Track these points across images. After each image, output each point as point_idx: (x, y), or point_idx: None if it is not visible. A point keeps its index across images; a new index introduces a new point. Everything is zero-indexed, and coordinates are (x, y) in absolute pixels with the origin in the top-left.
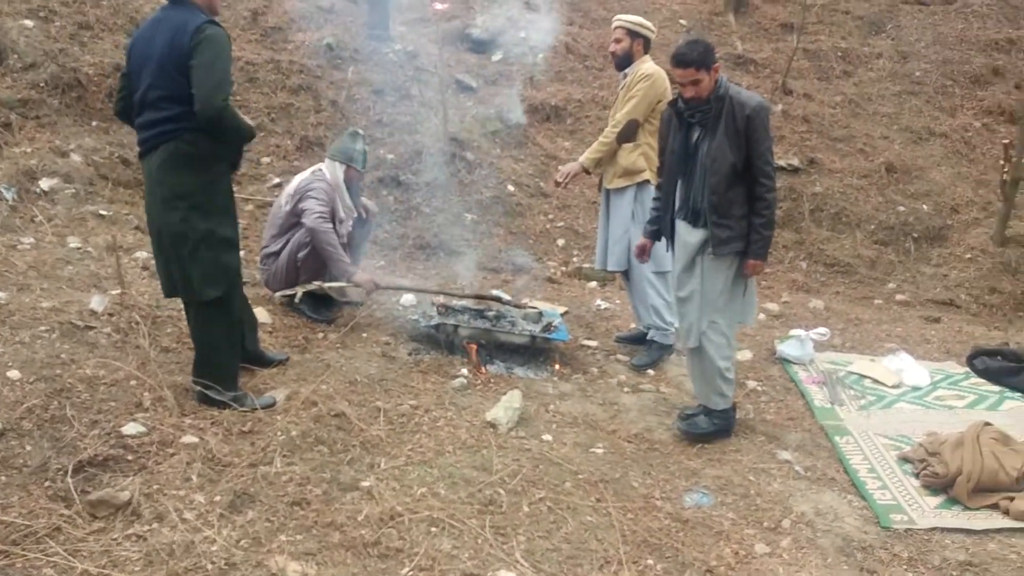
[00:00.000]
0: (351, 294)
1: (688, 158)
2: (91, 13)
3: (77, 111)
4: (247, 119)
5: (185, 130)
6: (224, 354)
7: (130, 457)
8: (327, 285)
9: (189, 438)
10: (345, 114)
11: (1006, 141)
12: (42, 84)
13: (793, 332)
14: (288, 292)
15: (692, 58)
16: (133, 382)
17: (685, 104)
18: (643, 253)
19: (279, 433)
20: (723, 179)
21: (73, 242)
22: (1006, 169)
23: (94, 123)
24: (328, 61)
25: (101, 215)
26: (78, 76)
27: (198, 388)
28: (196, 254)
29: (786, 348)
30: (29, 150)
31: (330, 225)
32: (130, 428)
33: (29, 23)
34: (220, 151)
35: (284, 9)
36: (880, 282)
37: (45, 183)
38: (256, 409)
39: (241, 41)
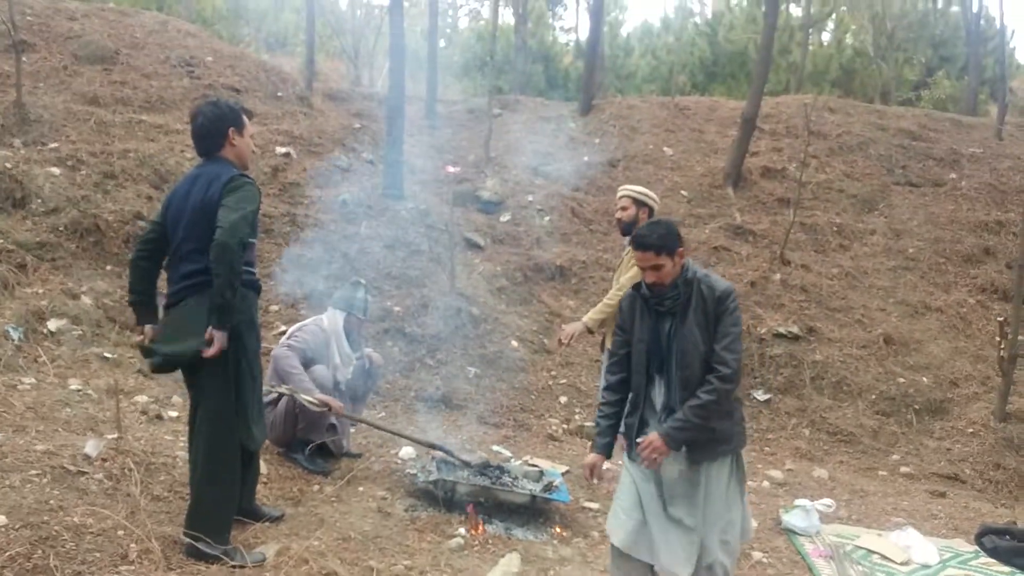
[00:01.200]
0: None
1: (663, 352)
2: (117, 164)
3: (93, 255)
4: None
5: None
6: (221, 506)
7: None
8: (299, 395)
9: None
10: (355, 266)
11: (1001, 318)
12: (61, 228)
13: (798, 502)
14: (275, 390)
15: (651, 241)
16: (121, 532)
17: (649, 291)
18: (593, 474)
19: None
20: (695, 373)
21: (74, 384)
22: (1003, 346)
23: (108, 267)
24: (342, 216)
25: (105, 357)
26: (98, 222)
27: (188, 540)
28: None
29: (792, 519)
30: (41, 291)
31: (293, 354)
32: None
33: (56, 171)
34: (246, 305)
35: (303, 167)
36: (884, 453)
37: (53, 324)
38: (245, 566)
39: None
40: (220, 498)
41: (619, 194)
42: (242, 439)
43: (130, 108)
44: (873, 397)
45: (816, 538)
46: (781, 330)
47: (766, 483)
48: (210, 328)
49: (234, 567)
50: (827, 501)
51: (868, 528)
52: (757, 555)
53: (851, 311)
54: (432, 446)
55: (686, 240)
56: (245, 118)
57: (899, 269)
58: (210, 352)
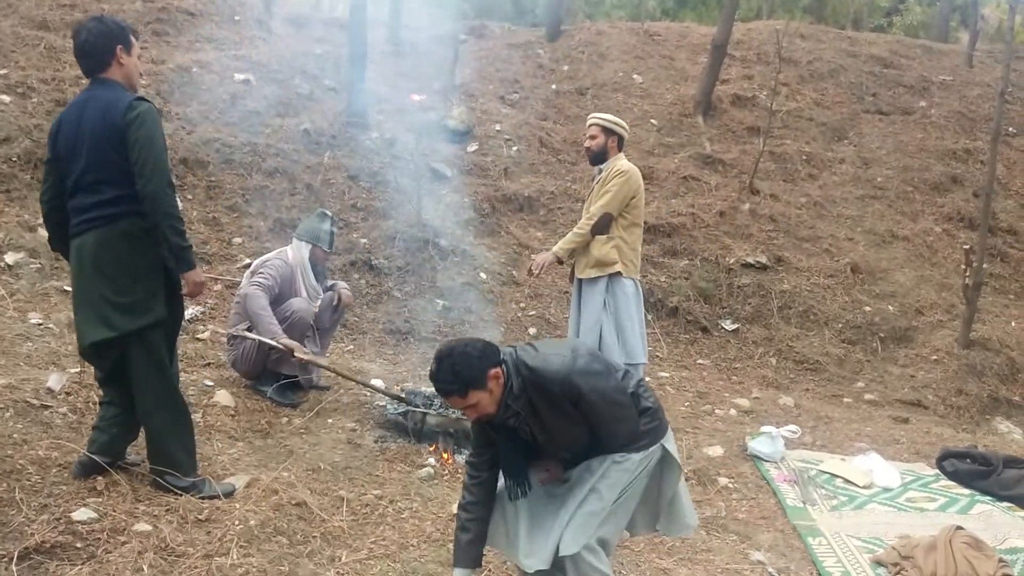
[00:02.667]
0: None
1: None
2: (69, 91)
3: None
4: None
5: (126, 214)
6: (180, 437)
7: (79, 544)
8: (257, 337)
9: (142, 526)
10: (320, 198)
11: (967, 247)
12: (15, 159)
13: (764, 429)
14: (222, 331)
15: (448, 386)
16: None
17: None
18: None
19: (236, 522)
20: (584, 446)
21: (34, 318)
22: (968, 274)
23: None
24: (305, 146)
25: (65, 291)
26: None
27: (153, 476)
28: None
29: (757, 445)
30: None
31: (262, 292)
32: (81, 514)
33: (6, 98)
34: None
35: (263, 94)
36: (849, 380)
37: (10, 257)
38: (216, 496)
39: (219, 123)
40: (177, 428)
41: (588, 122)
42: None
43: None
44: (839, 326)
45: (781, 463)
46: (749, 260)
47: (733, 411)
48: (183, 276)
49: (203, 498)
50: (792, 427)
51: (832, 453)
52: (723, 480)
53: (819, 240)
54: (398, 398)
55: (656, 169)
56: (133, 37)
57: (867, 198)
58: (192, 293)
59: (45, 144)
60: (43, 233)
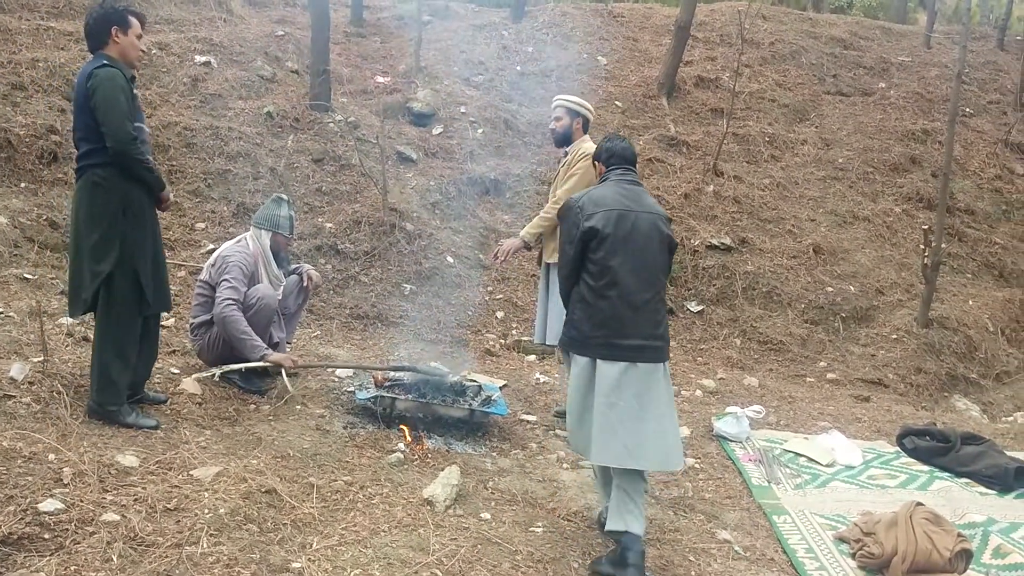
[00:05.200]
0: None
1: None
2: (26, 74)
3: (5, 172)
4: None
5: (96, 165)
6: (115, 369)
7: (47, 536)
8: (243, 366)
9: (110, 516)
10: (284, 181)
11: (925, 227)
12: None
13: (729, 409)
14: (204, 375)
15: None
16: (52, 455)
17: None
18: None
19: (206, 511)
20: None
21: None
22: (927, 254)
23: (23, 184)
24: (268, 129)
25: (25, 279)
26: (8, 137)
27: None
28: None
29: (723, 425)
30: None
31: (239, 312)
32: (48, 505)
33: None
34: (121, 185)
35: (225, 77)
36: (811, 360)
37: None
38: (140, 427)
39: (180, 107)
40: (116, 362)
41: (553, 104)
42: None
43: (36, 14)
44: (802, 306)
45: (746, 443)
46: (714, 241)
47: (698, 392)
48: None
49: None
50: (757, 408)
51: (796, 432)
52: (690, 460)
53: (782, 222)
54: (402, 368)
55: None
56: (133, 19)
57: (828, 179)
58: (162, 207)
59: (1, 129)
60: (2, 220)
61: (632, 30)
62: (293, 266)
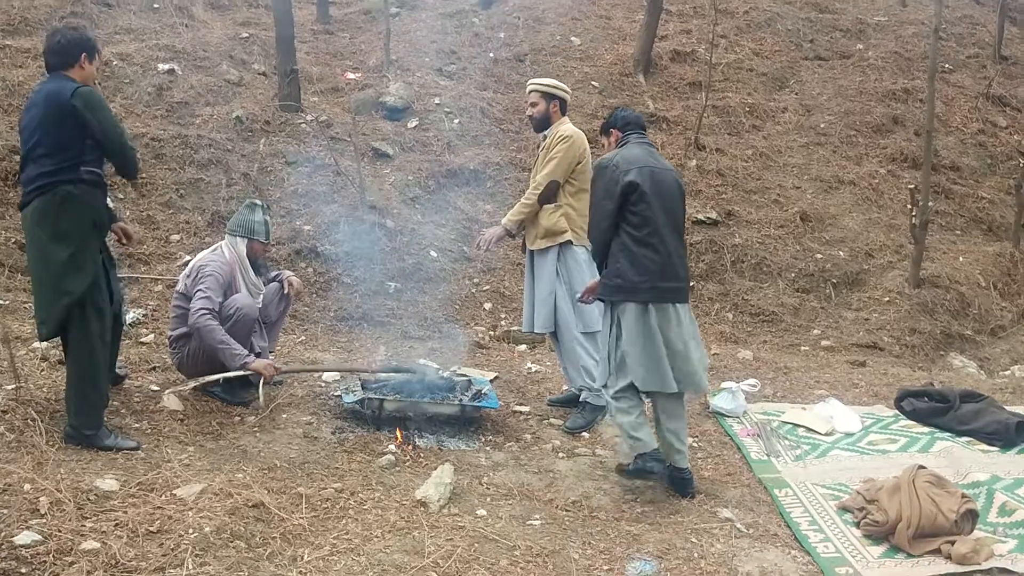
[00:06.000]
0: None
1: None
2: None
3: None
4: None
5: (67, 181)
6: (91, 392)
7: (24, 570)
8: (222, 376)
9: (90, 543)
10: (258, 186)
11: (911, 186)
12: None
13: (724, 385)
14: (182, 388)
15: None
16: (28, 485)
17: None
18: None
19: (190, 530)
20: None
21: None
22: (914, 213)
23: None
24: (238, 134)
25: None
26: None
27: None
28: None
29: (719, 401)
30: None
31: (214, 321)
32: (24, 537)
33: None
34: (93, 200)
35: (190, 84)
36: (805, 329)
37: None
38: (120, 448)
39: (146, 117)
40: (90, 384)
41: (527, 89)
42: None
43: None
44: (792, 275)
45: (743, 418)
46: (700, 216)
47: None
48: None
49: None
50: (752, 381)
51: (793, 403)
52: (689, 440)
53: (767, 192)
54: (399, 370)
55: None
56: (97, 50)
57: (812, 145)
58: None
59: None
60: None
61: (604, 8)
62: (273, 273)
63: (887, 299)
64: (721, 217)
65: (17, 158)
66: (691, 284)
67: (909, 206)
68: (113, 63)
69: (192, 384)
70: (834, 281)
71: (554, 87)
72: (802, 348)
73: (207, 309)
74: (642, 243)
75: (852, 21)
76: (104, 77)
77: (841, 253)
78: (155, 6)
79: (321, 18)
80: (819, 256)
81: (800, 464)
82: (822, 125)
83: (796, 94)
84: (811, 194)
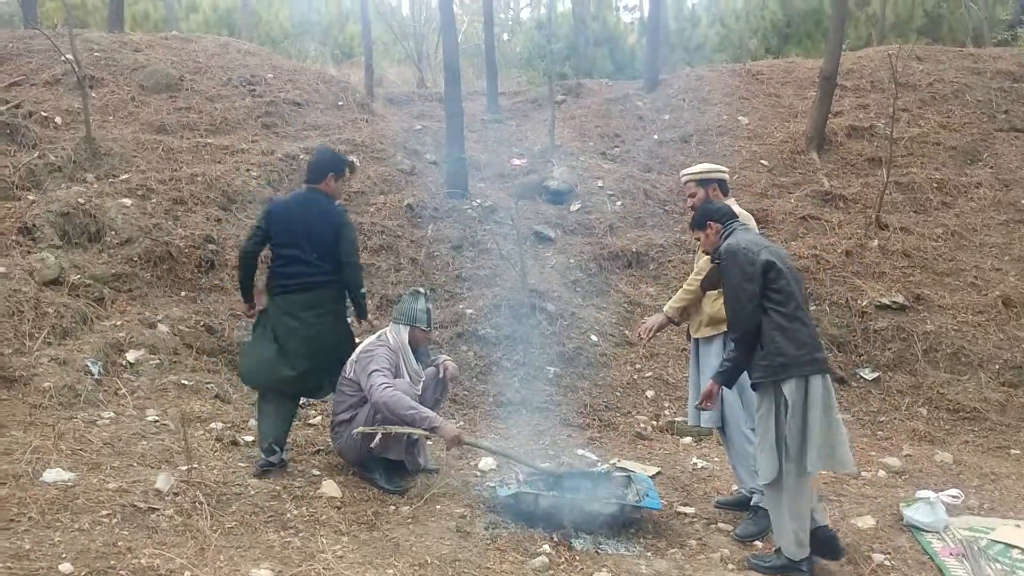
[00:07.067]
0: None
1: None
2: (186, 189)
3: (167, 282)
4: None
5: (335, 281)
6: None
7: None
8: (408, 430)
9: None
10: (425, 271)
11: None
12: (135, 258)
13: (920, 493)
14: (369, 430)
15: (693, 223)
16: (188, 573)
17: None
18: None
19: None
20: None
21: (151, 415)
22: None
23: (183, 293)
24: (408, 220)
25: (183, 384)
26: (170, 249)
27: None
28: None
29: (914, 513)
30: (119, 323)
31: (397, 392)
32: None
33: (128, 201)
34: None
35: (367, 175)
36: (1014, 429)
37: (131, 355)
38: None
39: None
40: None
41: (682, 181)
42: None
43: (196, 132)
44: (996, 367)
45: (944, 534)
46: (884, 300)
47: (882, 472)
48: (360, 319)
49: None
50: (953, 491)
51: (1004, 518)
52: (878, 557)
53: (962, 273)
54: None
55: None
56: (347, 170)
57: (1012, 223)
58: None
59: (164, 242)
60: (163, 329)
61: (773, 86)
62: (431, 358)
63: None
64: (909, 301)
65: (211, 247)
66: (877, 374)
67: None
68: (299, 157)
69: (382, 430)
70: None
71: (707, 172)
72: (1012, 452)
73: (388, 384)
74: (792, 318)
75: None
76: (290, 170)
77: None
78: (339, 104)
79: (491, 108)
80: None
81: None
82: (1023, 201)
83: (991, 168)
84: (1014, 276)
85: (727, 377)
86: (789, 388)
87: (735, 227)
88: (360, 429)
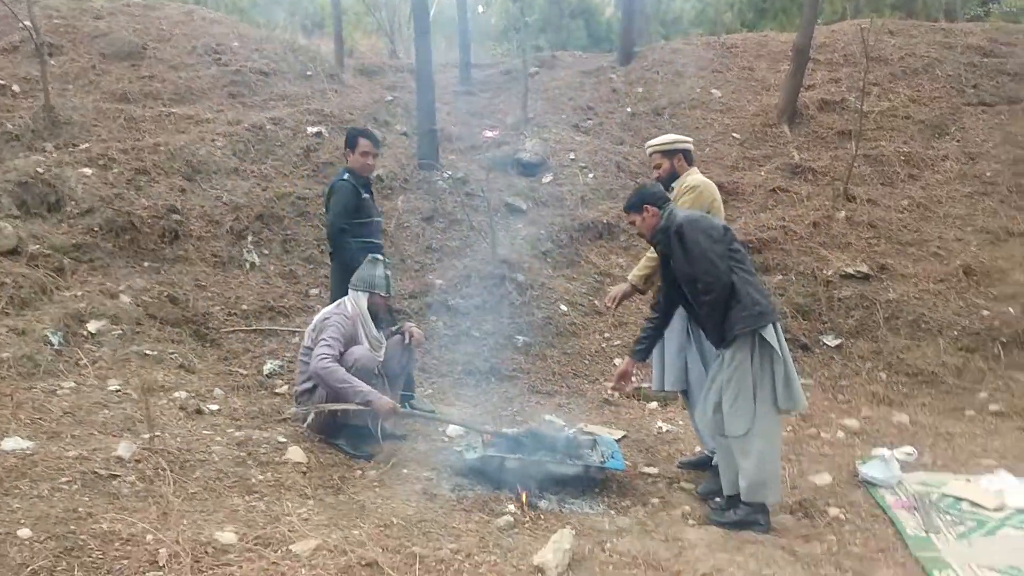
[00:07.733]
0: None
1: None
2: (148, 159)
3: (129, 253)
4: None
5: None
6: None
7: None
8: (340, 407)
9: None
10: (395, 242)
11: None
12: (96, 228)
13: (876, 451)
14: (303, 410)
15: (627, 206)
16: (150, 536)
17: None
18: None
19: None
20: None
21: (113, 384)
22: None
23: (145, 263)
24: (378, 192)
25: (146, 354)
26: (132, 219)
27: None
28: None
29: (869, 469)
30: (79, 293)
31: (334, 364)
32: None
33: (88, 171)
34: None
35: (336, 145)
36: (970, 392)
37: (92, 325)
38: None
39: (293, 177)
40: None
41: (648, 152)
42: None
43: (159, 101)
44: (955, 333)
45: (898, 488)
46: (849, 270)
47: (840, 433)
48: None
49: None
50: (908, 448)
51: (956, 474)
52: (833, 511)
53: (925, 244)
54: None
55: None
56: (362, 140)
57: (976, 195)
58: None
59: (125, 212)
60: (125, 299)
61: (747, 60)
62: (395, 326)
63: None
64: (873, 271)
65: (175, 217)
66: (840, 341)
67: None
68: (266, 127)
69: (315, 409)
70: (1003, 340)
71: (672, 143)
72: (967, 412)
73: (327, 355)
74: (751, 273)
75: (1020, 65)
76: (257, 140)
77: (1011, 310)
78: (308, 74)
79: (463, 80)
80: (986, 313)
81: (964, 542)
82: (988, 173)
83: (958, 142)
84: (975, 246)
85: (644, 354)
86: (769, 333)
87: (672, 208)
88: (292, 411)
